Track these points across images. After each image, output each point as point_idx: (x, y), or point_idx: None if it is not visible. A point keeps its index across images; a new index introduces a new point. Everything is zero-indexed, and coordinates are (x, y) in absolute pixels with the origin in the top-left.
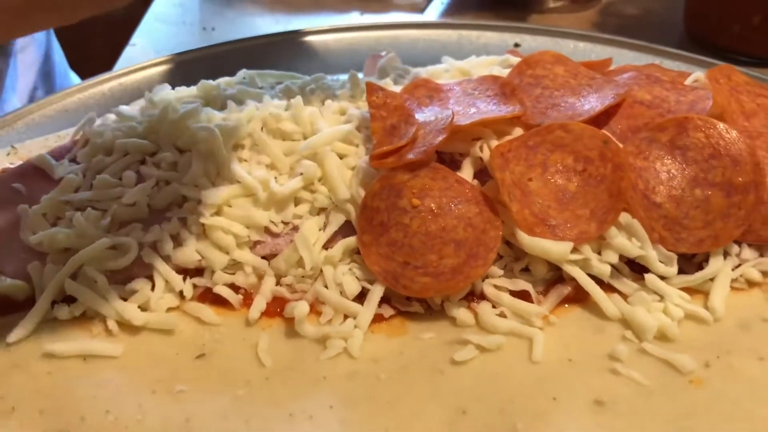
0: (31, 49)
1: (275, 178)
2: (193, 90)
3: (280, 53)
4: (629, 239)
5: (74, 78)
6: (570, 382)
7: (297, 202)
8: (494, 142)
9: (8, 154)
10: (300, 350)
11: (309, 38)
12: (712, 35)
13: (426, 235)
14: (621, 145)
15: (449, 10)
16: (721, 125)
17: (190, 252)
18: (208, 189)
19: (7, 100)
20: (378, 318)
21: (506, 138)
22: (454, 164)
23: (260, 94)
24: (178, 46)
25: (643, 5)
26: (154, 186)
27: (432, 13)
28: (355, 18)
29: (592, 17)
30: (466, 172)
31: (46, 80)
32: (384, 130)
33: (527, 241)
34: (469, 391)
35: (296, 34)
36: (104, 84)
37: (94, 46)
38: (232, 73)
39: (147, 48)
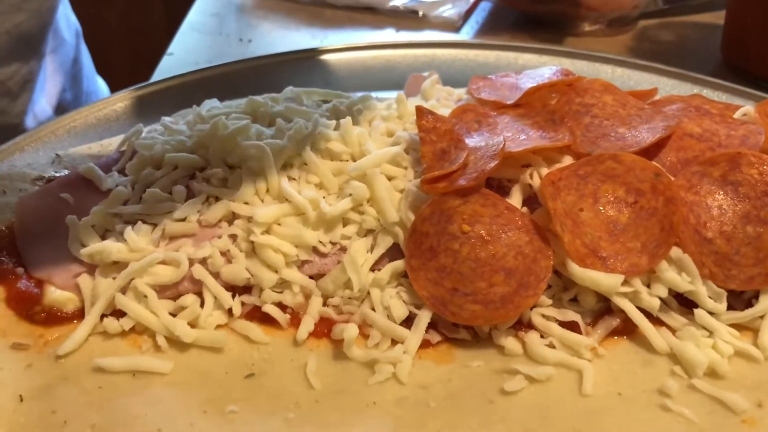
0: (61, 52)
1: (324, 198)
2: (240, 105)
3: (318, 68)
4: (679, 274)
5: (100, 82)
6: (621, 417)
7: (345, 222)
8: (544, 170)
9: (53, 163)
10: (348, 373)
11: (347, 54)
12: (750, 64)
13: (476, 262)
14: (673, 179)
15: (484, 30)
16: None
17: (240, 269)
18: (258, 207)
19: (36, 101)
20: (425, 344)
21: (556, 166)
22: (502, 190)
23: (308, 112)
24: (215, 57)
25: (679, 32)
26: (204, 201)
27: (467, 33)
28: (390, 35)
29: (627, 42)
30: (515, 199)
31: (75, 83)
32: (434, 154)
33: (578, 272)
34: (519, 422)
35: (334, 50)
36: (144, 93)
37: (114, 53)
38: (271, 87)
39: (184, 58)
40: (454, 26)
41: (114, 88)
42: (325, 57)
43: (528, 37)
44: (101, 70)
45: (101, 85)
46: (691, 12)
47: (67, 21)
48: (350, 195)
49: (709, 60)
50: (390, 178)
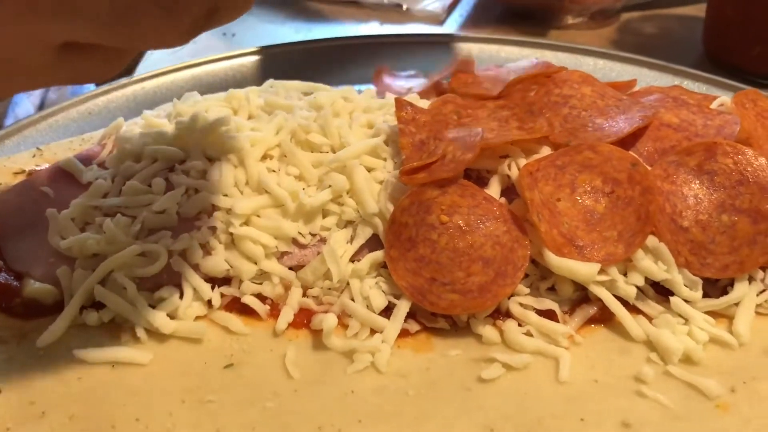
0: None
1: (303, 189)
2: (221, 98)
3: (301, 62)
4: (655, 262)
5: None
6: (597, 403)
7: (325, 214)
8: (522, 161)
9: (33, 156)
10: (327, 363)
11: (330, 47)
12: (731, 56)
13: (454, 252)
14: (649, 168)
15: (468, 23)
16: (749, 152)
17: (219, 261)
18: (238, 198)
19: (19, 101)
20: (404, 333)
21: (534, 156)
22: (481, 181)
23: (289, 105)
24: (197, 52)
25: (662, 24)
26: (184, 194)
27: (451, 26)
28: (375, 28)
29: (610, 35)
30: (494, 190)
31: None
32: (413, 145)
33: (555, 261)
34: (496, 409)
35: (318, 43)
36: (127, 88)
37: None
38: (254, 80)
39: (167, 53)
40: (438, 19)
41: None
42: (309, 49)
43: (512, 30)
44: None
45: (90, 85)
46: (674, 5)
47: None
48: (330, 186)
49: (691, 52)
50: (369, 170)
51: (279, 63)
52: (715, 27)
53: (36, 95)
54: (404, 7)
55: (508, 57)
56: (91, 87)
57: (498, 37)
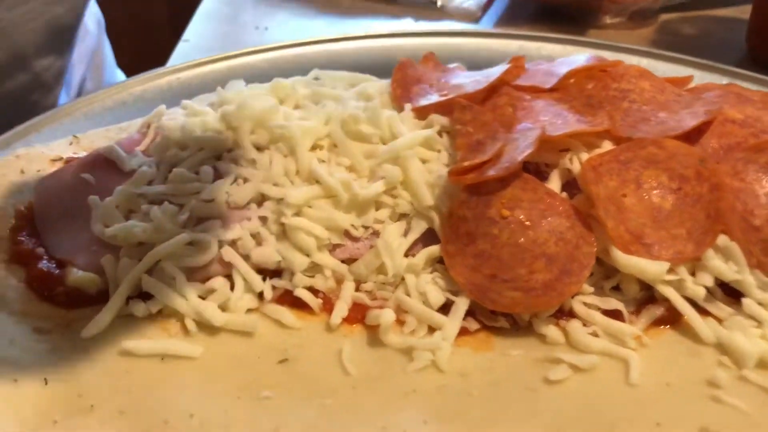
0: (85, 42)
1: (355, 180)
2: (265, 88)
3: (339, 57)
4: (726, 262)
5: (119, 73)
6: (672, 408)
7: (378, 206)
8: (584, 155)
9: (70, 144)
10: (384, 360)
11: (368, 42)
12: None
13: (516, 248)
14: (717, 165)
15: (503, 21)
16: None
17: (271, 252)
18: (289, 188)
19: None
20: (463, 331)
21: (596, 151)
22: (540, 175)
23: (336, 95)
24: (231, 45)
25: (701, 25)
26: (233, 182)
27: (486, 24)
28: (410, 24)
29: (649, 35)
30: (554, 184)
31: (96, 73)
32: (469, 146)
33: (623, 259)
34: (566, 413)
35: (355, 38)
36: (162, 78)
37: (117, 45)
38: (289, 74)
39: (199, 44)
40: (474, 17)
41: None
42: (346, 45)
43: (547, 29)
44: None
45: (121, 76)
46: (712, 6)
47: (89, 9)
48: (383, 178)
49: (732, 53)
50: (423, 161)
51: (314, 58)
52: (760, 27)
53: (74, 85)
54: (439, 3)
55: (550, 55)
56: (118, 77)
57: (540, 35)
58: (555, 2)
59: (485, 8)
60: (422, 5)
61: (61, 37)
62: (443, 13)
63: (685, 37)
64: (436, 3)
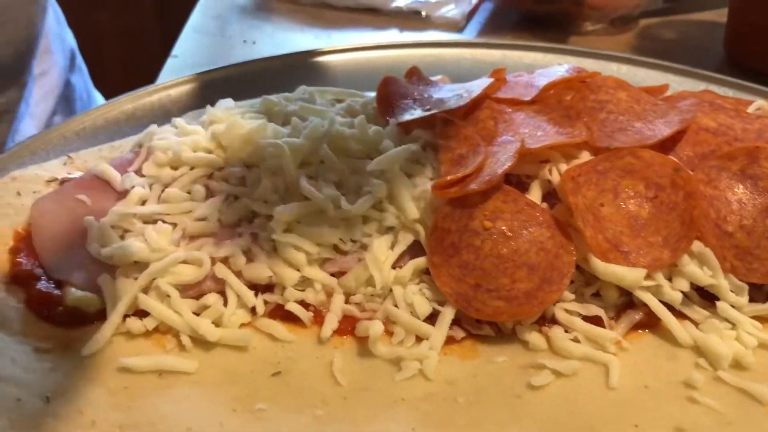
0: (51, 76)
1: (343, 196)
2: (255, 104)
3: (325, 69)
4: (701, 267)
5: (98, 99)
6: (649, 409)
7: (365, 220)
8: (563, 166)
9: (64, 164)
10: (374, 370)
11: (353, 55)
12: (755, 60)
13: (498, 258)
14: (691, 173)
15: (487, 30)
16: None
17: (262, 268)
18: (278, 205)
19: (24, 127)
20: (449, 340)
21: (574, 161)
22: (521, 186)
23: (323, 111)
24: (219, 59)
25: (681, 30)
26: (224, 200)
27: (470, 33)
28: (394, 36)
29: (630, 40)
30: (535, 195)
31: (66, 105)
32: (452, 160)
33: (601, 267)
34: (548, 417)
35: (341, 50)
36: (152, 95)
37: (107, 60)
38: (276, 88)
39: (188, 60)
40: (458, 26)
41: (108, 95)
42: (332, 58)
43: (530, 37)
44: (95, 78)
45: (99, 103)
46: (692, 10)
47: (61, 42)
48: (369, 193)
49: (711, 57)
50: (409, 176)
51: (301, 70)
52: (738, 31)
53: (42, 120)
54: (423, 14)
55: (532, 63)
56: (96, 104)
57: (522, 43)
58: (537, 10)
59: (469, 17)
60: (407, 16)
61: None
62: (428, 23)
63: (666, 42)
64: (420, 13)
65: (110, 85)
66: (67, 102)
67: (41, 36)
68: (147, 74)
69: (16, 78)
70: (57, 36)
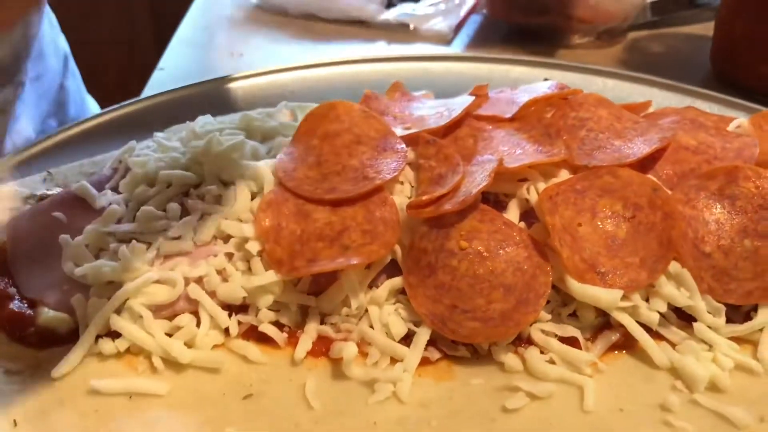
0: (45, 79)
1: None
2: (234, 120)
3: (312, 82)
4: (678, 288)
5: (92, 104)
6: None
7: None
8: (541, 184)
9: (44, 180)
10: (347, 392)
11: (340, 68)
12: (740, 75)
13: (474, 278)
14: (670, 193)
15: (475, 43)
16: None
17: (236, 288)
18: (251, 225)
19: (19, 129)
20: (424, 361)
21: (553, 180)
22: (498, 205)
23: None
24: (206, 72)
25: (669, 43)
26: (200, 219)
27: (458, 46)
28: (382, 48)
29: (618, 54)
30: (513, 214)
31: (60, 109)
32: (430, 179)
33: (577, 288)
34: None
35: (327, 64)
36: (136, 108)
37: (103, 69)
38: (263, 101)
39: (175, 72)
40: (446, 39)
41: (103, 104)
42: (319, 71)
43: (519, 49)
44: (89, 86)
45: (92, 107)
46: (680, 24)
47: (54, 46)
48: None
49: (698, 71)
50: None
51: (288, 84)
52: (723, 46)
53: (36, 122)
54: (411, 26)
55: (518, 77)
56: (89, 109)
57: (509, 57)
58: (525, 23)
59: (457, 30)
60: (395, 28)
61: None
62: (416, 36)
63: (653, 55)
64: (408, 26)
65: (104, 94)
66: (61, 106)
67: (37, 36)
68: (140, 83)
69: (11, 77)
70: (50, 40)
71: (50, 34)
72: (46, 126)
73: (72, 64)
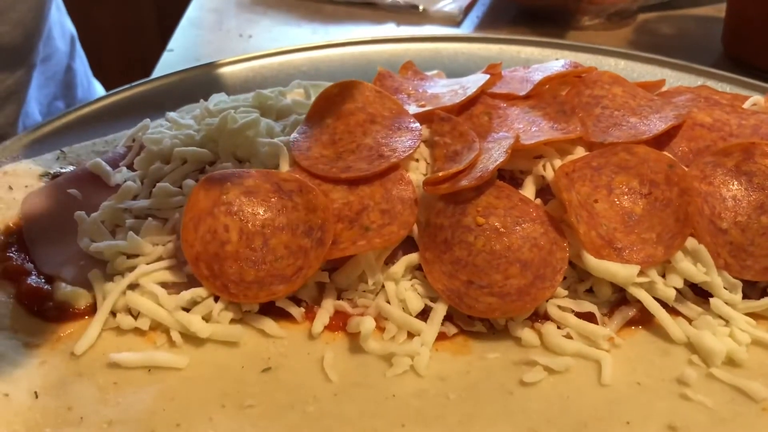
0: (53, 60)
1: None
2: (248, 98)
3: (322, 63)
4: (695, 264)
5: (98, 87)
6: (641, 406)
7: None
8: (557, 161)
9: (57, 158)
10: (365, 366)
11: (350, 49)
12: (752, 56)
13: (491, 254)
14: (686, 169)
15: (484, 24)
16: None
17: None
18: None
19: (28, 111)
20: (441, 336)
21: (568, 157)
22: (514, 181)
23: None
24: (215, 53)
25: (679, 24)
26: None
27: (467, 27)
28: (391, 30)
29: (628, 35)
30: (528, 191)
31: (67, 91)
32: (446, 156)
33: (594, 263)
34: (540, 413)
35: (338, 45)
36: (147, 89)
37: (106, 54)
38: (273, 82)
39: (184, 54)
40: (455, 21)
41: (108, 88)
42: (330, 51)
43: (528, 31)
44: (93, 70)
45: (99, 90)
46: (690, 5)
47: (61, 28)
48: None
49: (710, 52)
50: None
51: (298, 65)
52: (736, 27)
53: (44, 104)
54: (421, 8)
55: (529, 58)
56: (96, 92)
57: (519, 38)
58: (534, 5)
59: (466, 12)
60: (404, 10)
61: (9, 55)
62: (425, 17)
63: (663, 37)
64: (417, 7)
65: (109, 79)
66: (68, 87)
67: (47, 18)
68: (146, 67)
69: (24, 59)
70: (57, 22)
71: (57, 16)
72: (53, 108)
73: (78, 46)
